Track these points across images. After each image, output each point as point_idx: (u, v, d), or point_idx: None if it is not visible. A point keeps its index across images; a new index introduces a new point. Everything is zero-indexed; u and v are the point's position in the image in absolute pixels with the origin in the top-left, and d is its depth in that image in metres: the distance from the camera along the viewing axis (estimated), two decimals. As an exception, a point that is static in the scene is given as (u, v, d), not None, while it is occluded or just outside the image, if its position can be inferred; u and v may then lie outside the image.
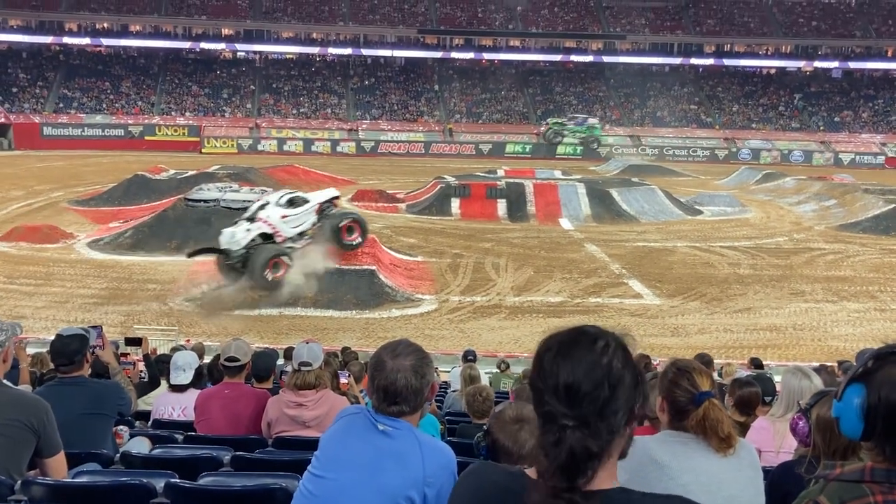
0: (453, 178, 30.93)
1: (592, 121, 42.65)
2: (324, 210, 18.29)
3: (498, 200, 28.62)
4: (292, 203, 17.64)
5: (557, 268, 20.59)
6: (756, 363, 10.43)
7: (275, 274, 16.45)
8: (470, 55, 61.63)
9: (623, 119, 57.23)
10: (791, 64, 61.47)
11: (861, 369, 1.49)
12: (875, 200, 28.62)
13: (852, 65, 60.48)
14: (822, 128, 56.45)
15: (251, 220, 17.04)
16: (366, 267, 18.05)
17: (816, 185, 34.08)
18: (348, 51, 60.57)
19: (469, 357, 10.64)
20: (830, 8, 63.14)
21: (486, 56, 62.34)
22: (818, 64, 60.86)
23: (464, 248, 22.57)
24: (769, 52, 61.87)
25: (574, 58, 61.22)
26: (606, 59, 60.83)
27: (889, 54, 60.79)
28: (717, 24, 62.58)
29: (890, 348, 1.50)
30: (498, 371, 10.71)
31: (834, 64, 60.56)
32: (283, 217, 17.24)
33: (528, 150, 52.86)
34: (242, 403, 4.42)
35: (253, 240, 16.63)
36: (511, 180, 30.61)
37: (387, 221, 26.53)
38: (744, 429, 3.69)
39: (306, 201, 17.94)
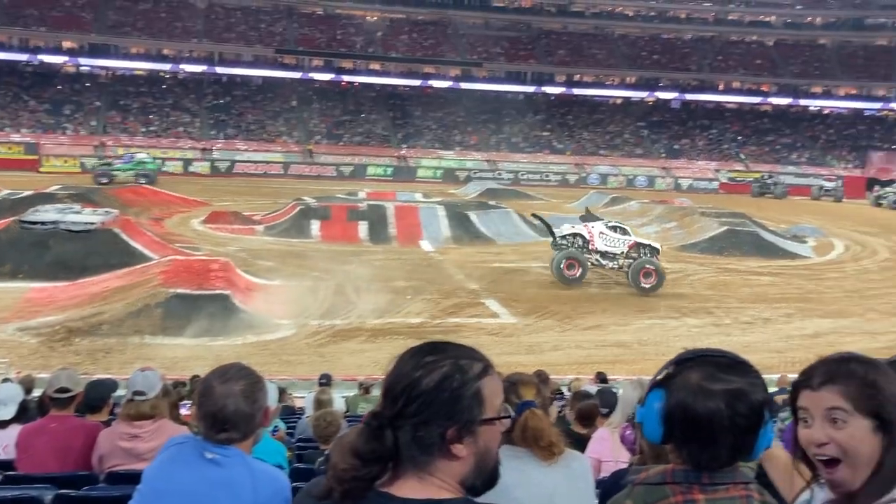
0: (313, 200, 30.53)
1: (141, 155, 42.00)
2: (640, 250, 21.36)
3: (359, 222, 28.52)
4: (615, 229, 21.64)
5: (418, 289, 20.70)
6: (601, 377, 10.87)
7: (569, 272, 20.83)
8: (330, 76, 61.36)
9: (480, 144, 58.69)
10: (635, 94, 65.37)
11: (662, 375, 1.55)
12: (711, 223, 30.75)
13: (689, 96, 65.07)
14: (663, 155, 60.23)
15: (582, 222, 21.63)
16: (219, 292, 17.38)
17: (658, 209, 36.21)
18: (202, 68, 58.66)
19: (323, 381, 10.44)
20: (669, 43, 67.75)
21: (347, 78, 62.28)
22: (659, 95, 65.05)
23: (324, 271, 22.23)
24: (615, 83, 65.50)
25: (433, 83, 62.28)
26: (464, 85, 62.33)
27: (720, 88, 65.88)
28: (568, 55, 65.63)
29: (688, 354, 1.58)
30: (357, 394, 10.57)
31: (673, 95, 64.93)
32: (601, 233, 21.18)
33: (389, 172, 53.10)
34: (70, 437, 4.08)
35: (571, 235, 21.17)
36: (373, 202, 30.60)
37: (243, 244, 25.76)
38: (586, 440, 3.80)
39: (626, 233, 21.59)
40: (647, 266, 20.99)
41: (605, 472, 3.42)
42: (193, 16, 60.25)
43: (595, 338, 17.18)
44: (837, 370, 1.49)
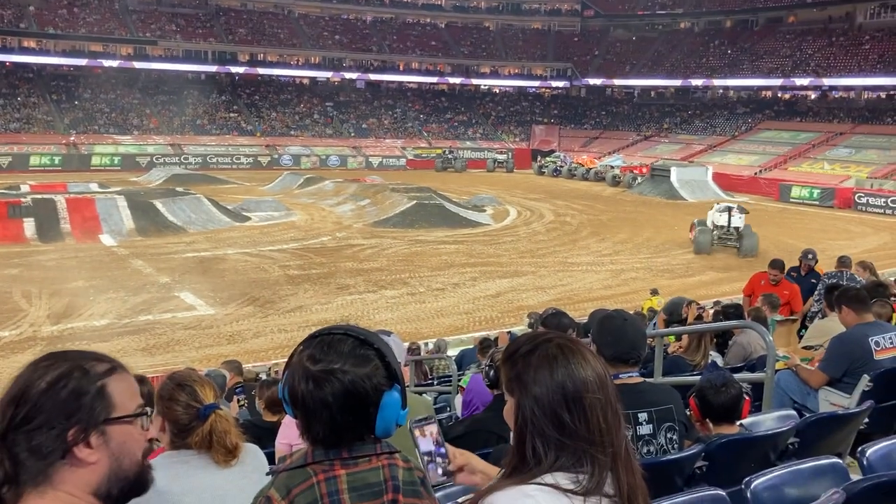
0: (-38, 198, 26.51)
1: None
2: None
3: (24, 220, 25.40)
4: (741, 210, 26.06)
5: (101, 289, 19.01)
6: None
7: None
8: (-27, 55, 53.48)
9: (162, 127, 55.22)
10: (321, 74, 65.80)
11: (287, 360, 1.58)
12: (401, 198, 32.20)
13: (373, 76, 67.13)
14: (353, 134, 61.64)
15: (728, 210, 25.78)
16: None
17: (352, 187, 37.07)
18: None
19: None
20: (350, 24, 69.15)
21: (-4, 57, 54.73)
22: (345, 75, 66.23)
23: (-18, 278, 19.50)
24: (300, 63, 65.36)
25: (102, 62, 57.04)
26: (138, 64, 58.04)
27: (401, 68, 68.86)
28: (249, 34, 64.05)
29: (314, 333, 1.60)
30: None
31: (357, 75, 66.51)
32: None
33: (57, 161, 47.81)
34: None
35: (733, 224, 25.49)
36: (39, 196, 27.40)
37: None
38: (276, 427, 3.73)
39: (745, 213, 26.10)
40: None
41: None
42: None
43: (298, 319, 17.15)
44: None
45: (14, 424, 1.24)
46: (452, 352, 12.49)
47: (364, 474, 1.54)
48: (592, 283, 21.15)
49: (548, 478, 1.46)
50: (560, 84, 71.27)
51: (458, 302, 19.05)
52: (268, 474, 1.58)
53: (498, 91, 72.41)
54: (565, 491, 1.44)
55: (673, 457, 2.84)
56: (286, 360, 1.58)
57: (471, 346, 11.86)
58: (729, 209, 25.75)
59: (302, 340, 1.60)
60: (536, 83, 71.95)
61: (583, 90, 71.63)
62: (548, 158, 55.92)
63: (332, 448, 1.54)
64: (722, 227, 25.43)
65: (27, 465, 1.24)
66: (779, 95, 60.11)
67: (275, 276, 21.15)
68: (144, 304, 17.89)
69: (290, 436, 3.30)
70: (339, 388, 1.52)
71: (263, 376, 9.23)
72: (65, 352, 1.35)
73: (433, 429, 1.68)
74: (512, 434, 1.55)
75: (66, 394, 1.26)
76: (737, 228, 25.25)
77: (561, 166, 53.05)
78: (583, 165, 51.81)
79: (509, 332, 9.09)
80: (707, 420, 3.38)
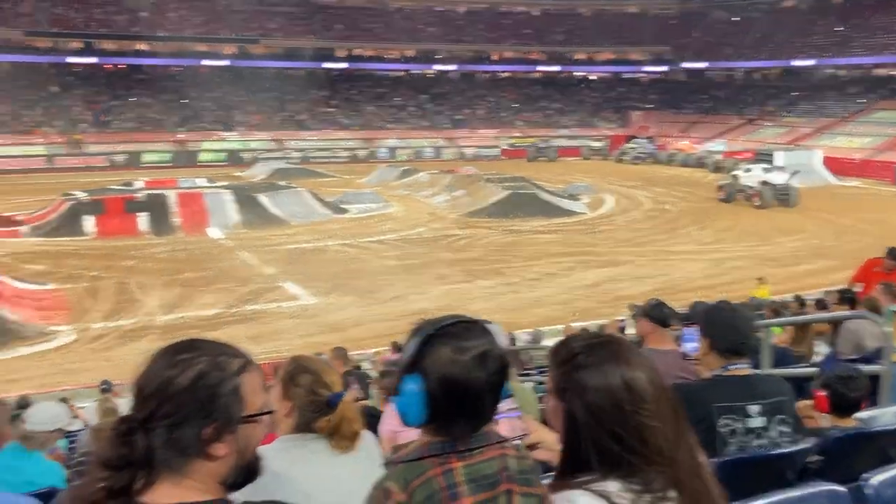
0: (84, 194, 28.17)
1: None
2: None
3: (138, 214, 26.77)
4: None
5: (210, 279, 19.88)
6: (396, 346, 10.96)
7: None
8: (92, 60, 56.55)
9: (265, 123, 57.05)
10: (415, 67, 66.40)
11: (409, 361, 1.54)
12: (495, 188, 32.20)
13: (467, 67, 67.28)
14: (447, 125, 61.96)
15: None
16: (-19, 303, 15.66)
17: (447, 178, 37.29)
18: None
19: (104, 388, 9.74)
20: (444, 16, 69.46)
21: (112, 60, 57.75)
22: (438, 67, 66.64)
23: (103, 269, 20.71)
24: (395, 57, 66.15)
25: (207, 62, 59.43)
26: (242, 63, 60.12)
27: (495, 58, 68.66)
28: (346, 30, 65.28)
29: (430, 328, 1.55)
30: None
31: (451, 67, 66.80)
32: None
33: (168, 158, 50.18)
34: None
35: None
36: (152, 191, 28.84)
37: (7, 248, 23.33)
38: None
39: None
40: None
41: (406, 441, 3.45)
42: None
43: (396, 309, 17.43)
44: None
45: (155, 417, 1.31)
46: (549, 343, 12.43)
47: (479, 466, 1.53)
48: (693, 272, 20.59)
49: (597, 485, 1.44)
50: (658, 69, 69.45)
51: (554, 292, 18.93)
52: (384, 465, 1.59)
53: (593, 78, 71.20)
54: (615, 502, 1.42)
55: (785, 450, 2.76)
56: (413, 351, 1.54)
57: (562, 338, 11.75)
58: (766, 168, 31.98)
59: (422, 328, 1.56)
60: (633, 68, 70.36)
61: (682, 74, 69.53)
62: (627, 145, 54.28)
63: (450, 440, 1.54)
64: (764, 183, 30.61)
65: (164, 456, 1.31)
66: (894, 74, 56.59)
67: (373, 266, 21.57)
68: (250, 294, 18.58)
69: (394, 423, 3.38)
70: (496, 366, 1.53)
71: (367, 364, 9.43)
72: (199, 342, 1.40)
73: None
74: (561, 437, 1.54)
75: (205, 393, 1.32)
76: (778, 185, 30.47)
77: (643, 153, 51.59)
78: (682, 151, 50.33)
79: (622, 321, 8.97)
80: (822, 413, 3.27)
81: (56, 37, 55.86)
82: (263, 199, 28.97)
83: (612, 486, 1.44)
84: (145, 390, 1.33)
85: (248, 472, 1.42)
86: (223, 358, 1.38)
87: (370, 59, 65.04)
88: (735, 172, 33.49)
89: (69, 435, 6.49)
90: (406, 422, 1.54)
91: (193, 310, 17.36)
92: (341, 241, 24.95)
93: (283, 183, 33.50)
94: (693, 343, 4.33)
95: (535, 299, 18.19)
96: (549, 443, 1.77)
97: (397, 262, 21.98)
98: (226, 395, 1.35)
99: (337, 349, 8.58)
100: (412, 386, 1.51)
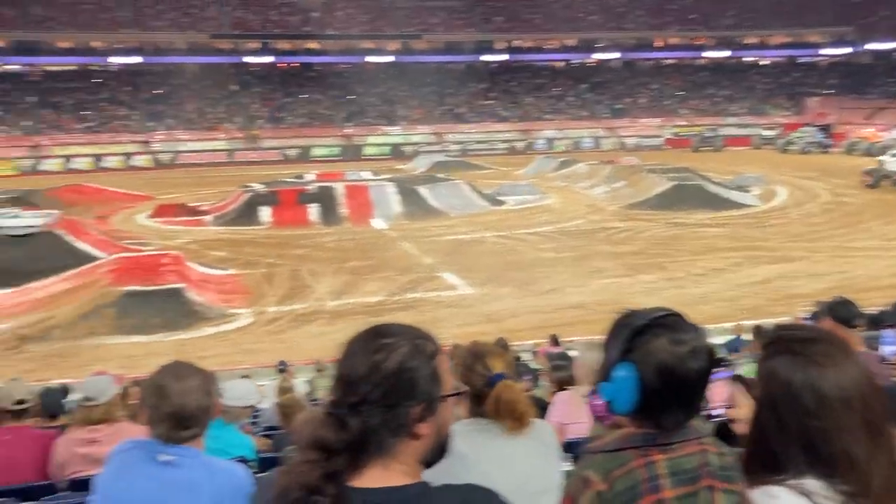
0: (261, 186, 30.12)
1: None
2: None
3: (309, 205, 28.20)
4: None
5: (374, 268, 20.64)
6: (554, 339, 10.90)
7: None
8: (268, 59, 60.23)
9: (425, 117, 58.44)
10: (575, 57, 65.54)
11: (622, 349, 1.55)
12: (658, 179, 31.17)
13: (629, 55, 65.59)
14: (607, 115, 60.72)
15: None
16: (172, 286, 17.09)
17: (607, 169, 36.54)
18: (137, 59, 57.09)
19: (281, 368, 10.37)
20: (605, 3, 68.04)
21: (285, 59, 61.24)
22: (599, 56, 65.39)
23: (277, 257, 22.04)
24: (555, 47, 65.59)
25: (372, 59, 61.63)
26: (404, 59, 61.84)
27: (658, 45, 66.47)
28: (506, 21, 65.48)
29: (643, 319, 1.56)
30: (314, 376, 10.52)
31: (613, 55, 65.36)
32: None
33: (335, 152, 52.62)
34: (24, 448, 3.99)
35: None
36: (321, 184, 30.32)
37: (192, 236, 25.35)
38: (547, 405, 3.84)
39: None
40: None
41: (570, 435, 3.48)
42: (121, 5, 58.46)
43: (553, 301, 17.35)
44: None
45: (368, 401, 1.38)
46: (716, 341, 11.94)
47: (680, 460, 1.53)
48: (878, 270, 19.00)
49: (796, 482, 1.40)
50: (838, 51, 64.49)
51: (720, 288, 18.10)
52: (582, 455, 1.61)
53: (765, 63, 67.21)
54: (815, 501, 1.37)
55: None
56: (625, 340, 1.55)
57: (733, 337, 11.32)
58: None
59: (633, 318, 1.57)
60: (810, 52, 65.74)
61: (866, 56, 64.14)
62: (794, 134, 50.62)
63: (655, 431, 1.54)
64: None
65: (375, 438, 1.38)
66: None
67: (530, 258, 21.55)
68: (411, 283, 19.13)
69: (562, 414, 3.40)
70: (707, 360, 1.54)
71: (527, 356, 9.48)
72: (394, 327, 1.48)
73: None
74: (751, 429, 1.51)
75: (410, 375, 1.40)
76: None
77: (811, 142, 47.99)
78: (866, 140, 46.49)
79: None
80: None
81: (237, 38, 59.96)
82: (424, 191, 29.70)
83: (813, 484, 1.40)
84: (353, 375, 1.41)
85: (440, 450, 1.48)
86: (420, 341, 1.45)
87: (529, 50, 64.90)
88: (882, 158, 33.20)
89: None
90: (614, 409, 1.56)
91: (359, 296, 18.10)
92: (498, 233, 25.12)
93: (442, 175, 34.19)
94: (893, 346, 4.02)
95: (701, 296, 17.46)
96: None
97: (554, 255, 21.84)
98: (427, 377, 1.42)
99: (499, 340, 8.67)
100: (625, 373, 1.52)
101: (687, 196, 28.96)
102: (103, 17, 57.29)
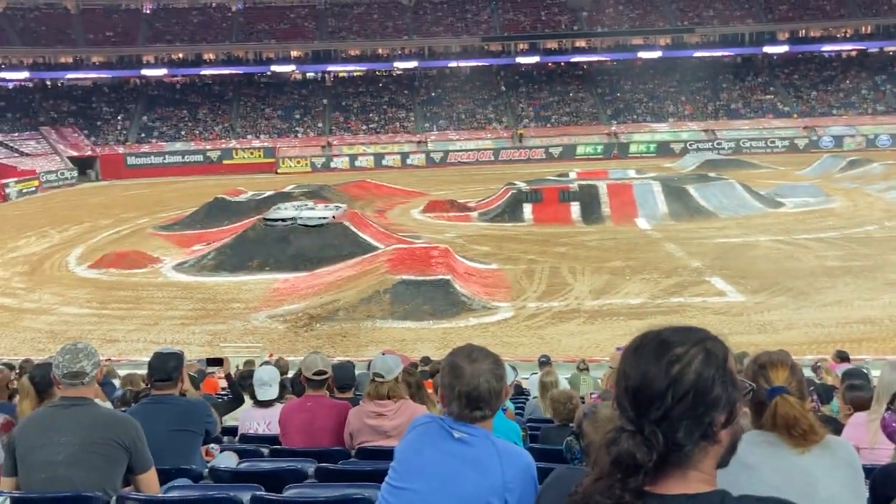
0: (524, 184, 30.81)
1: None
2: None
3: (571, 204, 28.31)
4: None
5: (636, 269, 20.20)
6: (842, 356, 9.89)
7: None
8: (535, 59, 61.31)
9: (696, 113, 55.94)
10: (871, 45, 58.86)
11: None
12: (972, 182, 27.12)
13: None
14: (909, 109, 53.84)
15: None
16: (441, 277, 18.12)
17: (907, 170, 32.54)
18: (414, 64, 61.14)
19: (543, 361, 10.52)
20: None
21: (552, 59, 61.94)
22: (901, 43, 58.13)
23: (538, 254, 22.41)
24: (848, 35, 59.39)
25: (642, 55, 60.24)
26: (675, 53, 59.62)
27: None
28: (790, 10, 60.51)
29: None
30: (577, 371, 10.54)
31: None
32: None
33: (599, 150, 52.26)
34: (324, 416, 4.48)
35: None
36: (584, 182, 30.31)
37: (459, 230, 26.60)
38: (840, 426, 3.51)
39: None
40: None
41: (865, 461, 3.14)
42: (403, 14, 62.88)
43: (836, 315, 15.79)
44: None
45: (671, 416, 1.34)
46: None
47: None
48: None
49: None
50: None
51: None
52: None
53: None
54: None
55: None
56: None
57: None
58: None
59: None
60: None
61: None
62: None
63: None
64: None
65: (677, 449, 1.35)
66: None
67: (810, 266, 19.80)
68: (675, 287, 18.45)
69: (856, 437, 3.10)
70: None
71: (808, 372, 8.73)
72: (679, 331, 1.43)
73: None
74: None
75: (711, 384, 1.35)
76: None
77: None
78: None
79: None
80: None
81: (507, 40, 61.74)
82: (692, 190, 28.47)
83: None
84: (650, 390, 1.36)
85: (732, 452, 1.43)
86: (709, 343, 1.40)
87: (817, 39, 59.37)
88: None
89: (515, 400, 7.22)
90: None
91: (620, 297, 17.83)
92: (774, 237, 23.36)
93: (713, 174, 32.54)
94: None
95: None
96: None
97: (839, 264, 19.84)
98: (726, 383, 1.37)
99: (780, 351, 8.06)
100: None
101: None
102: (389, 25, 61.99)
